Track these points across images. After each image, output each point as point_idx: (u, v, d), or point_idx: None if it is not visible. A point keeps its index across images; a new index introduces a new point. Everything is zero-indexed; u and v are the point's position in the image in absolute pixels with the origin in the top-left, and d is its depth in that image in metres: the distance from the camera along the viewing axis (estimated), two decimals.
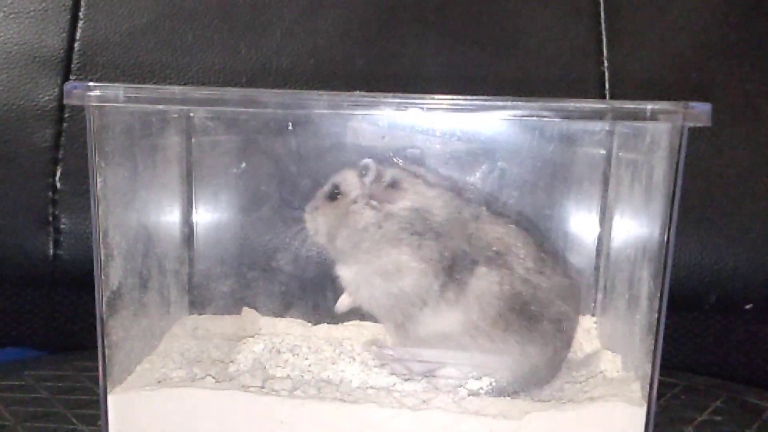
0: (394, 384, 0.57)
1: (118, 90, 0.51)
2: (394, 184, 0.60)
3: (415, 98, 0.50)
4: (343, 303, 0.64)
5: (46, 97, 0.81)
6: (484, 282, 0.58)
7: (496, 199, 0.63)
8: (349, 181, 0.61)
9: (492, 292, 0.58)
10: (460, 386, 0.56)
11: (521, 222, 0.61)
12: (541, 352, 0.58)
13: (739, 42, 0.86)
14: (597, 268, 0.66)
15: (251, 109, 0.53)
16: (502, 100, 0.50)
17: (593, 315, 0.67)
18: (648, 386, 0.52)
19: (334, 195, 0.61)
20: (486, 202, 0.62)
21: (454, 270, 0.58)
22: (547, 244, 0.62)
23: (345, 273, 0.62)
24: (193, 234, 0.67)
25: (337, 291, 0.63)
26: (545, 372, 0.59)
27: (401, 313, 0.59)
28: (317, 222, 0.61)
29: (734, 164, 0.82)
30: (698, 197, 0.80)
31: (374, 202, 0.60)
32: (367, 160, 0.60)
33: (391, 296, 0.59)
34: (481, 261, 0.58)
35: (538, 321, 0.58)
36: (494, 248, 0.59)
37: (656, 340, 0.52)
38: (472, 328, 0.58)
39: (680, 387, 0.69)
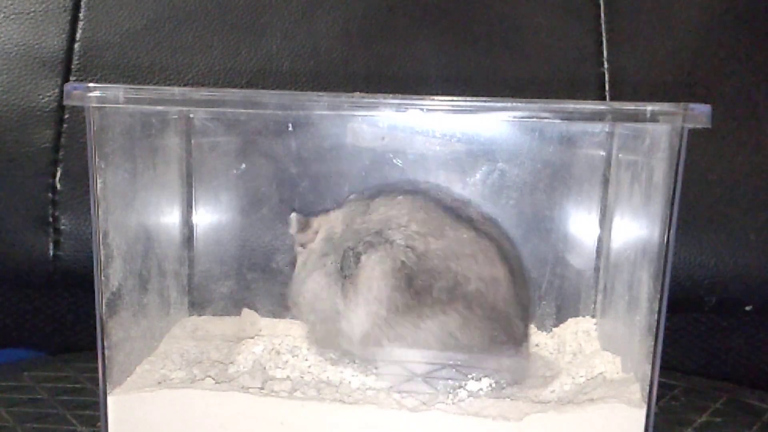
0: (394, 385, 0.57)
1: (118, 91, 0.51)
2: (312, 225, 0.63)
3: (415, 99, 0.50)
4: None
5: (46, 98, 0.81)
6: (367, 269, 0.58)
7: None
8: None
9: (374, 277, 0.57)
10: (460, 387, 0.56)
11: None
12: (446, 323, 0.57)
13: (739, 43, 0.86)
14: (597, 269, 0.66)
15: (251, 111, 0.53)
16: (501, 102, 0.50)
17: (593, 316, 0.67)
18: (648, 388, 0.52)
19: None
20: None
21: (344, 269, 0.59)
22: (454, 202, 0.60)
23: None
24: (193, 235, 0.67)
25: None
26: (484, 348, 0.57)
27: (329, 336, 0.61)
28: None
29: (734, 165, 0.82)
30: (698, 198, 0.80)
31: (300, 248, 0.63)
32: (291, 216, 0.63)
33: (318, 318, 0.61)
34: (361, 250, 0.59)
35: (429, 292, 0.57)
36: (374, 230, 0.59)
37: (656, 342, 0.52)
38: (376, 317, 0.58)
39: (680, 388, 0.69)
